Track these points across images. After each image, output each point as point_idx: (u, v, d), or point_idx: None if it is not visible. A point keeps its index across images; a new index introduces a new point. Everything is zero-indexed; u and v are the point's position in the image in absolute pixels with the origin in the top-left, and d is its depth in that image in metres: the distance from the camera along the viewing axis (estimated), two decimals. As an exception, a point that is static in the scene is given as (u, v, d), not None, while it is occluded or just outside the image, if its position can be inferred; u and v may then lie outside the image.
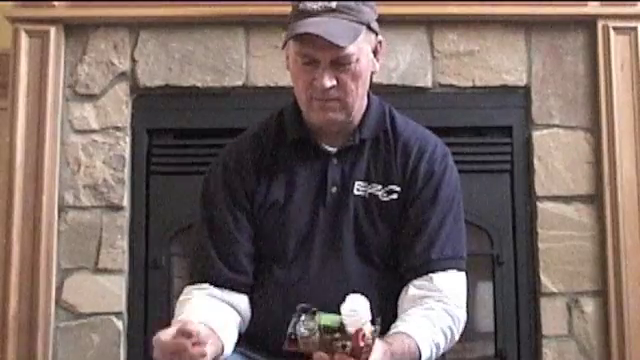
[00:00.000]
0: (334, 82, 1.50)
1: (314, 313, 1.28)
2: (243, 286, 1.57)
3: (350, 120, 1.57)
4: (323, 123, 1.56)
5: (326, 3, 1.48)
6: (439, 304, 1.49)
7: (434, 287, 1.51)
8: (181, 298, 1.57)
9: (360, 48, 1.51)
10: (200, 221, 1.61)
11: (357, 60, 1.50)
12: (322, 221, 1.56)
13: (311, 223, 1.56)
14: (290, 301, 1.41)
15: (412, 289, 1.52)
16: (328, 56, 1.48)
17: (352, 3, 1.50)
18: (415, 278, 1.53)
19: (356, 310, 1.23)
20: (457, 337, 1.53)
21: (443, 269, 1.53)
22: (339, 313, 1.25)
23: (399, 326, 1.44)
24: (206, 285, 1.56)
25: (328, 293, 1.51)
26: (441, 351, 1.49)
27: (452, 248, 1.55)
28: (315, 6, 1.48)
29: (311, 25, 1.46)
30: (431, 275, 1.52)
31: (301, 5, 1.50)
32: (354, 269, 1.55)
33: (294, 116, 1.61)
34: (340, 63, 1.49)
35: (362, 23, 1.51)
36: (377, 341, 1.27)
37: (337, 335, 1.25)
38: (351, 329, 1.23)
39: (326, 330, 1.25)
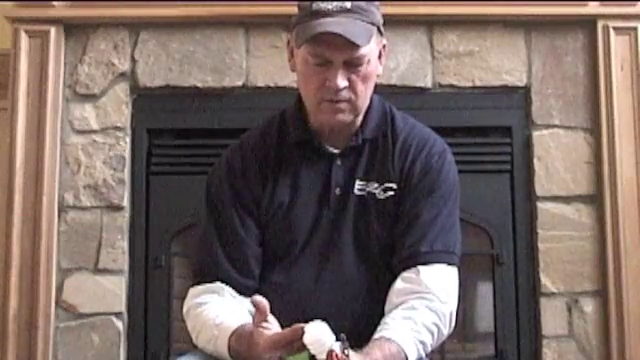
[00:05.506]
0: (346, 83, 1.48)
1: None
2: (249, 290, 1.54)
3: (354, 121, 1.57)
4: (331, 125, 1.54)
5: (341, 3, 1.46)
6: (421, 301, 1.46)
7: (420, 281, 1.48)
8: (196, 301, 1.53)
9: (371, 49, 1.50)
10: (206, 224, 1.59)
11: (368, 61, 1.50)
12: (324, 222, 1.55)
13: (314, 225, 1.55)
14: (289, 304, 1.41)
15: (399, 282, 1.50)
16: (342, 57, 1.46)
17: (364, 3, 1.48)
18: (403, 270, 1.51)
19: (318, 337, 1.24)
20: (446, 332, 1.50)
21: (432, 262, 1.51)
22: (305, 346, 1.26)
23: (380, 332, 1.41)
24: (216, 285, 1.54)
25: (327, 294, 1.51)
26: (429, 348, 1.46)
27: (443, 242, 1.53)
28: (330, 6, 1.46)
29: (329, 25, 1.44)
30: (419, 268, 1.50)
31: (314, 5, 1.47)
32: (353, 269, 1.54)
33: (297, 117, 1.60)
34: (353, 64, 1.48)
35: (374, 24, 1.50)
36: (352, 354, 1.27)
37: None
38: (322, 356, 1.24)
39: None
